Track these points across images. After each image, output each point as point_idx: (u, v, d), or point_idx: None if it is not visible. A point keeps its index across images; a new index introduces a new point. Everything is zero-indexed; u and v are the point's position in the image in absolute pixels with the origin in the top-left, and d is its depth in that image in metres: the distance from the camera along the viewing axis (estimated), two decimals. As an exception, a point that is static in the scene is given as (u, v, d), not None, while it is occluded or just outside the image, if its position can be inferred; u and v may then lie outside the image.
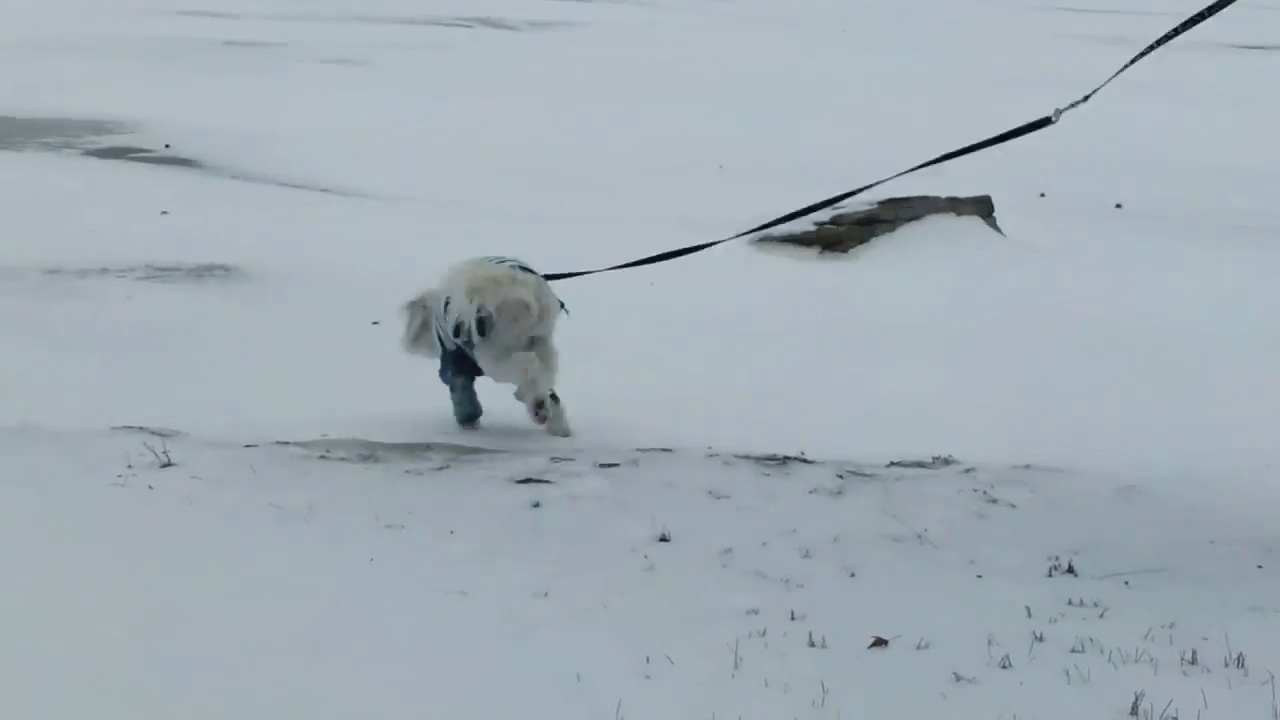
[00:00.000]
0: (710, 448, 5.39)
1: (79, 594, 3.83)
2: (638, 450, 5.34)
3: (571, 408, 6.13)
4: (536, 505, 4.68)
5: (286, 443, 5.35)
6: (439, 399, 6.35)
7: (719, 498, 4.78)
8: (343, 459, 5.17)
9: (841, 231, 9.45)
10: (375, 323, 6.79)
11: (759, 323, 7.97)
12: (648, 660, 3.55)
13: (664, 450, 5.37)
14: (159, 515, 4.44)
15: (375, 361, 6.93)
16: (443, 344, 5.81)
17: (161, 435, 5.21)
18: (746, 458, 5.26)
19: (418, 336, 6.08)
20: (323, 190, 12.03)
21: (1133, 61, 5.28)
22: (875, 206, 9.55)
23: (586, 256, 7.85)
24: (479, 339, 5.52)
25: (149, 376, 6.43)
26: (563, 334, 7.37)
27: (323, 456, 5.19)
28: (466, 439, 5.66)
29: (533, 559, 4.20)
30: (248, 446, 5.26)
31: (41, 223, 9.67)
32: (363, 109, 16.10)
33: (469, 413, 5.89)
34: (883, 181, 5.93)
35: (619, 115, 16.61)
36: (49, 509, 4.40)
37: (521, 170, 12.77)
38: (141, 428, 5.36)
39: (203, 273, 8.64)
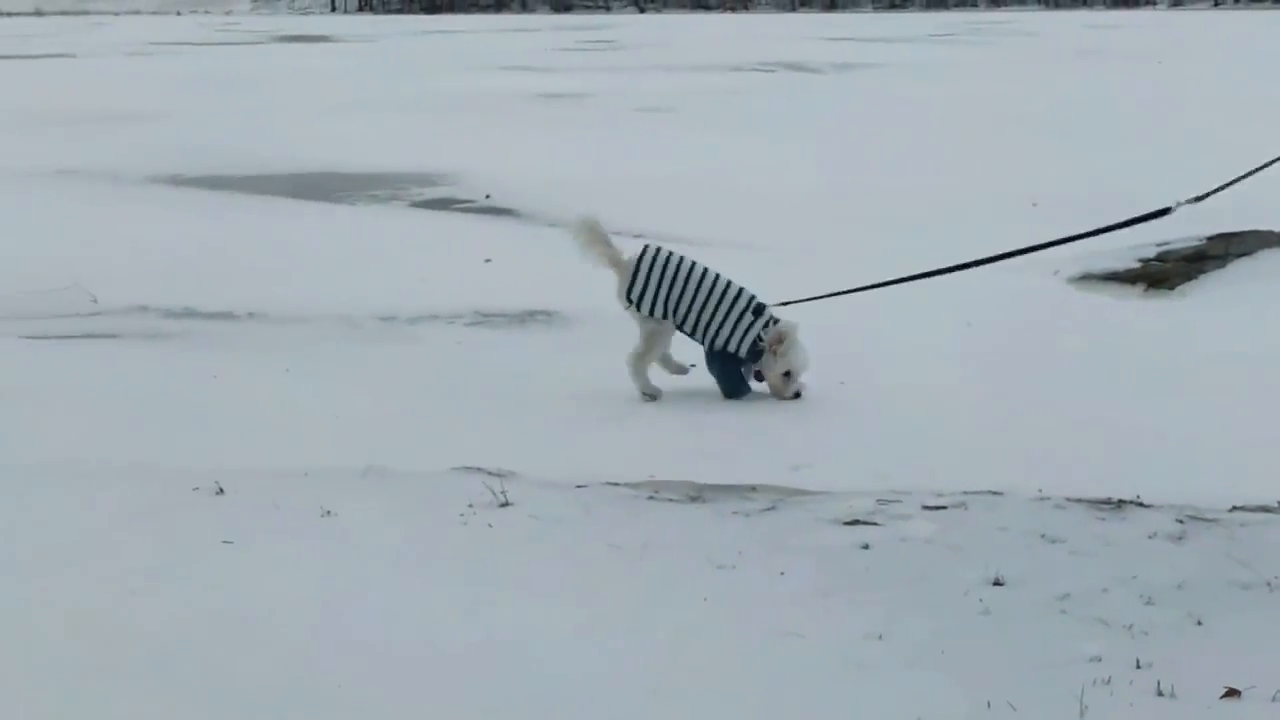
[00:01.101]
0: (1040, 490, 5.28)
1: (432, 627, 3.99)
2: (965, 492, 5.27)
3: (887, 447, 6.15)
4: (865, 547, 4.66)
5: (616, 483, 5.48)
6: (759, 439, 6.41)
7: (1053, 542, 4.68)
8: (671, 500, 5.26)
9: (1168, 268, 9.17)
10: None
11: (1080, 362, 7.79)
12: (989, 706, 3.49)
13: (992, 493, 5.29)
14: (502, 552, 4.59)
15: (695, 403, 7.06)
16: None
17: (499, 475, 5.40)
18: (1079, 501, 5.13)
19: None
20: (637, 235, 12.27)
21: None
22: (1204, 242, 9.25)
23: (913, 297, 7.84)
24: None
25: (481, 418, 6.67)
26: (876, 374, 7.38)
27: (651, 497, 5.29)
28: (789, 481, 5.68)
29: (865, 601, 4.19)
30: (579, 487, 5.41)
31: (374, 272, 10.15)
32: (673, 155, 16.41)
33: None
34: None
35: (926, 153, 16.50)
36: (400, 546, 4.60)
37: (832, 211, 12.80)
38: (479, 468, 5.57)
39: (526, 318, 8.93)
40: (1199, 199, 5.62)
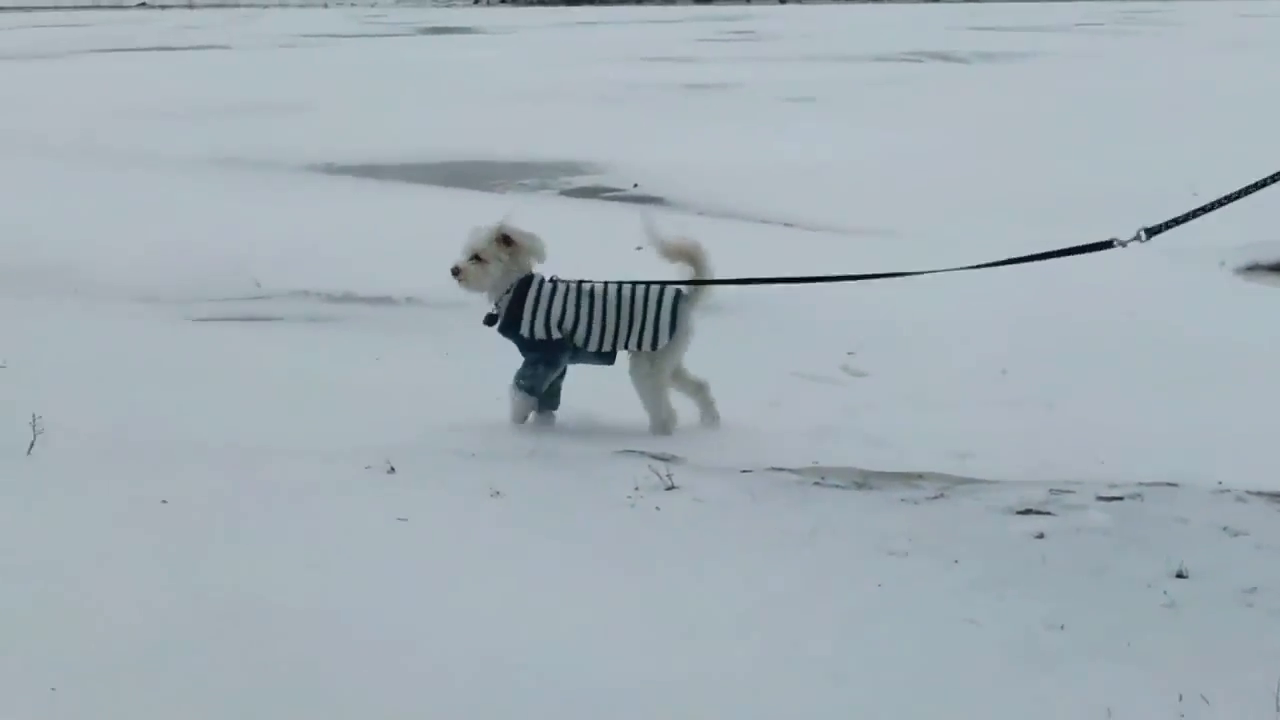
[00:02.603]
0: (1220, 482, 5.15)
1: (609, 609, 3.99)
2: (1139, 484, 5.16)
3: (1053, 437, 6.01)
4: (1040, 536, 4.58)
5: (781, 469, 5.45)
6: (921, 427, 6.33)
7: (1235, 535, 4.55)
8: (837, 486, 5.22)
9: (1341, 257, 8.90)
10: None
11: (1251, 355, 7.59)
12: (1181, 699, 3.41)
13: (1168, 484, 5.17)
14: (669, 535, 4.58)
15: (856, 390, 7.00)
16: None
17: (663, 460, 5.40)
18: (1259, 494, 4.99)
19: None
20: (785, 224, 12.24)
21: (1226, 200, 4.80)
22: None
23: (1075, 289, 7.68)
24: None
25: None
26: (1041, 364, 7.25)
27: (817, 483, 5.25)
28: (956, 469, 5.60)
29: (1042, 591, 4.11)
30: (744, 472, 5.39)
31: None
32: (819, 145, 16.31)
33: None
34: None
35: (1077, 144, 16.20)
36: (569, 527, 4.61)
37: (983, 202, 12.62)
38: (643, 452, 5.57)
39: (680, 305, 8.91)
40: (1151, 233, 4.92)
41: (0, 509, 4.36)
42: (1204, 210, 4.96)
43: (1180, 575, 4.19)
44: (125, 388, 6.45)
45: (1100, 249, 5.10)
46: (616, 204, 13.39)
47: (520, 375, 6.15)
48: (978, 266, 5.66)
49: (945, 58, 28.46)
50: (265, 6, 70.28)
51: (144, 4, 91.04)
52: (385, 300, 8.93)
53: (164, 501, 4.48)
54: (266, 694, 3.42)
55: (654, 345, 6.14)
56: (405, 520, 4.54)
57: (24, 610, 3.69)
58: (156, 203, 12.36)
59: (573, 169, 15.02)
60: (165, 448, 5.30)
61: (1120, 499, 4.93)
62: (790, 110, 20.40)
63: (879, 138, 17.04)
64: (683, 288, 6.23)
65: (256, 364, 7.25)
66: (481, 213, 12.07)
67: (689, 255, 6.23)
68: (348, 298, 8.99)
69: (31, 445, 4.82)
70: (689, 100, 21.41)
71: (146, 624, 3.69)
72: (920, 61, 27.72)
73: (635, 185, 14.15)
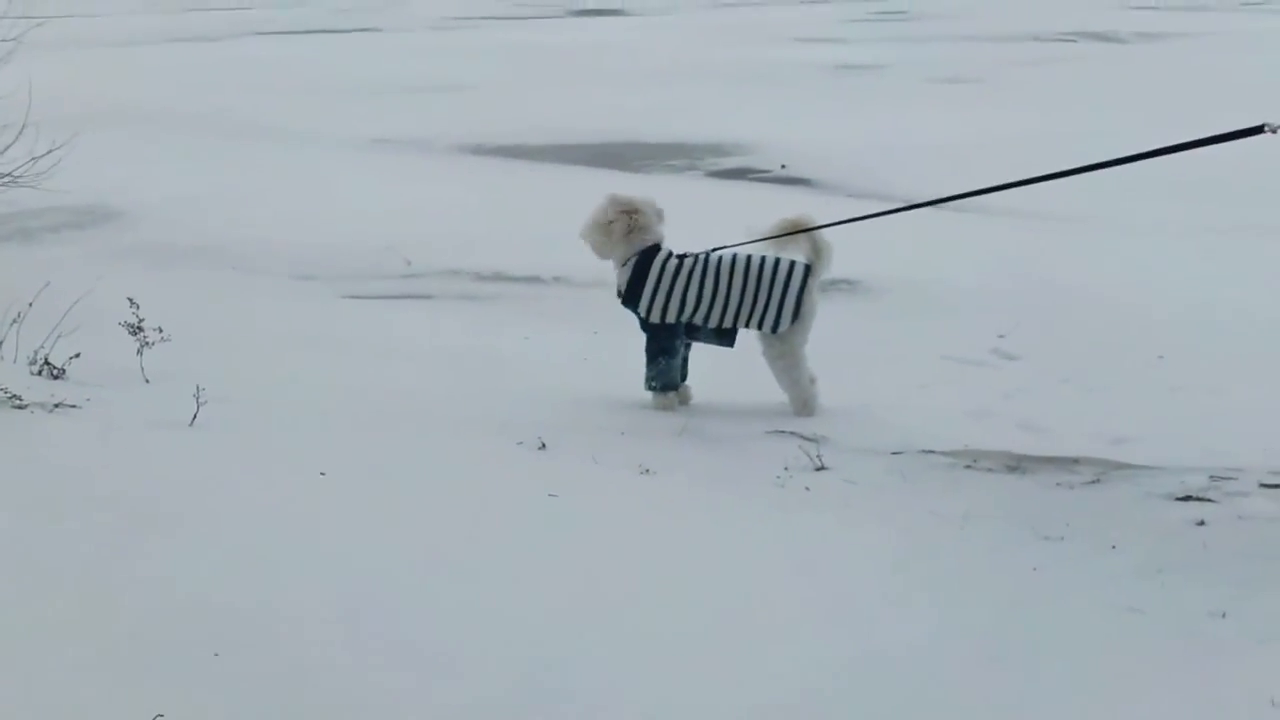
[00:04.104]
0: (1391, 473, 4.98)
1: (758, 587, 3.97)
2: (1307, 472, 5.01)
3: (1214, 424, 5.85)
4: (1201, 523, 4.48)
5: (932, 451, 5.39)
6: (1075, 412, 6.20)
7: None
8: (990, 470, 5.15)
9: None
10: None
11: None
12: (1356, 692, 3.31)
13: (1337, 473, 5.02)
14: (819, 516, 4.56)
15: (1006, 373, 6.89)
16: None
17: (813, 440, 5.37)
18: None
19: None
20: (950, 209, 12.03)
21: None
22: None
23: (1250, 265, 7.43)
24: None
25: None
26: (1200, 349, 7.07)
27: (969, 466, 5.19)
28: (1112, 454, 5.48)
29: (1205, 578, 4.01)
30: (894, 454, 5.34)
31: (674, 240, 10.19)
32: (973, 126, 16.04)
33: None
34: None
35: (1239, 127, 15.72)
36: (719, 506, 4.61)
37: (1142, 185, 12.31)
38: (792, 433, 5.55)
39: (827, 287, 8.84)
40: None
41: (166, 479, 4.46)
42: None
43: (1350, 566, 4.07)
44: (284, 362, 6.57)
45: (1250, 134, 4.78)
46: (764, 185, 13.32)
47: (650, 379, 6.06)
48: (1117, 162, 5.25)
49: (1103, 38, 27.81)
50: (417, -10, 70.74)
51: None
52: (534, 279, 8.99)
53: (322, 474, 4.55)
54: (428, 647, 3.46)
55: (775, 328, 5.96)
56: (556, 496, 4.57)
57: (195, 581, 3.78)
58: (310, 182, 12.57)
59: (720, 150, 14.96)
60: (322, 421, 5.39)
61: (1286, 487, 4.80)
62: (943, 91, 20.09)
63: (1038, 119, 16.70)
64: (809, 266, 6.10)
65: (408, 341, 7.35)
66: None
67: (798, 224, 6.07)
68: (497, 276, 9.07)
69: (194, 417, 4.93)
70: (839, 81, 21.18)
71: (320, 587, 3.75)
72: (1075, 42, 27.14)
73: (783, 166, 14.05)
